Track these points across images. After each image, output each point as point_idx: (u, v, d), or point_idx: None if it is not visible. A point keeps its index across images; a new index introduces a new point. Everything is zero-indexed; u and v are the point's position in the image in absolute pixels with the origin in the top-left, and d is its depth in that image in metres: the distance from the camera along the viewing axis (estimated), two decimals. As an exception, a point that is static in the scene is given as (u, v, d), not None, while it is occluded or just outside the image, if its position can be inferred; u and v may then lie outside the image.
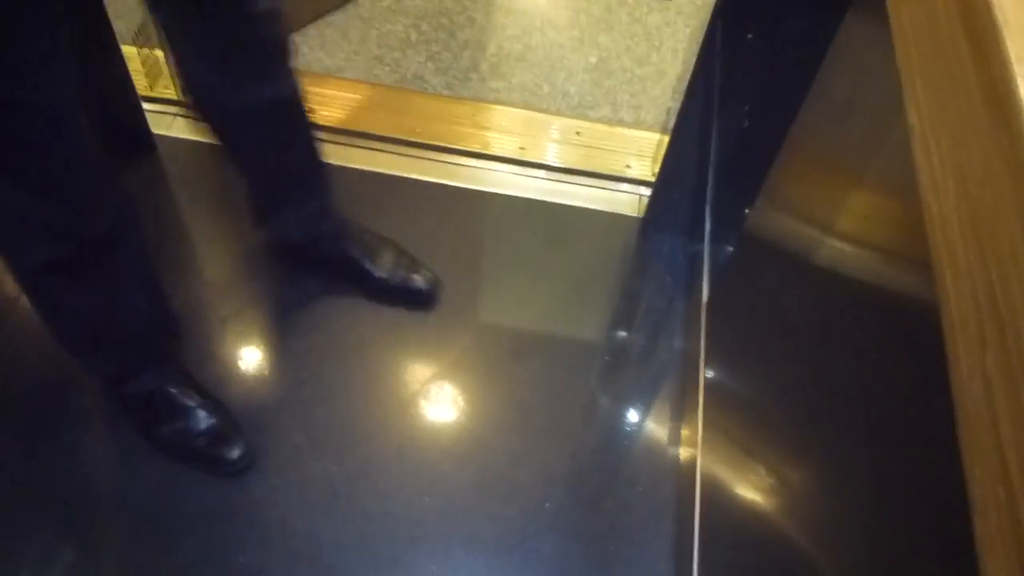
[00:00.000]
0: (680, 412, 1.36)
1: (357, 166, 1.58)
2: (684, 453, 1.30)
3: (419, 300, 1.40)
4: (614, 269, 1.53)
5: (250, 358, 1.34)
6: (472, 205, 1.56)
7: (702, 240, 1.41)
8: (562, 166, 1.63)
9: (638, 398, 1.38)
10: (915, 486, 0.57)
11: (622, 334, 1.45)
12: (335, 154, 1.56)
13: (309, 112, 1.19)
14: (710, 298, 1.34)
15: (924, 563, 0.53)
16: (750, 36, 1.37)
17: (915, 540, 0.56)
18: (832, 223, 0.90)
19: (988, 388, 0.38)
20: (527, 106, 1.73)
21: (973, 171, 0.43)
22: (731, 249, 1.35)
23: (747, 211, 1.25)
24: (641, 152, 1.67)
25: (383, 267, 1.38)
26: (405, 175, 1.58)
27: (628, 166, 1.64)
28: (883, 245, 0.74)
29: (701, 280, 1.38)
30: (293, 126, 1.19)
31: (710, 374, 1.23)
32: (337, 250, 1.37)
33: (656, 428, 1.35)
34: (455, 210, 1.55)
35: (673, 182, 1.49)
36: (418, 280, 1.39)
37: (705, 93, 1.42)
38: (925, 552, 0.53)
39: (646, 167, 1.63)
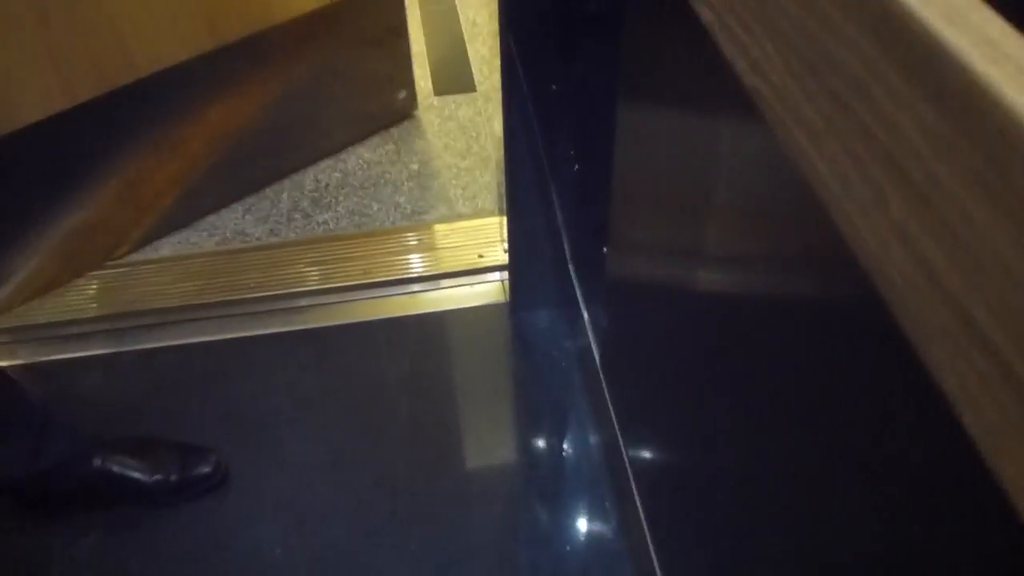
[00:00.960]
0: (621, 505, 1.22)
1: (184, 341, 1.43)
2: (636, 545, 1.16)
3: (212, 483, 1.23)
4: (495, 361, 1.41)
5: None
6: (320, 344, 1.43)
7: (575, 299, 1.32)
8: (413, 275, 1.53)
9: (572, 511, 1.24)
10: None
11: (530, 438, 1.32)
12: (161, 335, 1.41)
13: None
14: (603, 358, 1.24)
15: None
16: (553, 87, 1.34)
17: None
18: (690, 228, 0.83)
19: (906, 241, 0.28)
20: (361, 230, 1.64)
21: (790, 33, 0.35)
22: (606, 298, 1.26)
23: (606, 251, 1.17)
24: (489, 239, 1.59)
25: (155, 468, 1.20)
26: (244, 335, 1.44)
27: (480, 256, 1.56)
28: (752, 231, 0.65)
29: (588, 342, 1.28)
30: None
31: (632, 452, 1.12)
32: (91, 474, 1.16)
33: (602, 532, 1.21)
34: (300, 355, 1.41)
35: (527, 254, 1.41)
36: (202, 465, 1.22)
37: (530, 157, 1.36)
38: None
39: (498, 251, 1.55)
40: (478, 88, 1.97)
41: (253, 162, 1.67)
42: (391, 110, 1.84)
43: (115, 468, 1.17)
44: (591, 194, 1.21)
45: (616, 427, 1.17)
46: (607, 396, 1.22)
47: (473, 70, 2.02)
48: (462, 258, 1.56)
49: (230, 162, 1.62)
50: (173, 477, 1.19)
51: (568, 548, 1.18)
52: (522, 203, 1.38)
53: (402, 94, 1.83)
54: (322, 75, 1.65)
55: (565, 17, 1.29)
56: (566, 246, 1.33)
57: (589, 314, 1.28)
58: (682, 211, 0.81)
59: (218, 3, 1.40)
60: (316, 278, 1.53)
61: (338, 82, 1.70)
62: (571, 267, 1.33)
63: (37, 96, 1.26)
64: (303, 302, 1.50)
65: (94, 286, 1.52)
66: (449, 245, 1.58)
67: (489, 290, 1.51)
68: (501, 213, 1.56)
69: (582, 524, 1.22)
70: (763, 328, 0.62)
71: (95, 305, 1.49)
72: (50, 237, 1.45)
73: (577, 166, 1.22)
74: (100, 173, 1.45)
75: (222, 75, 1.50)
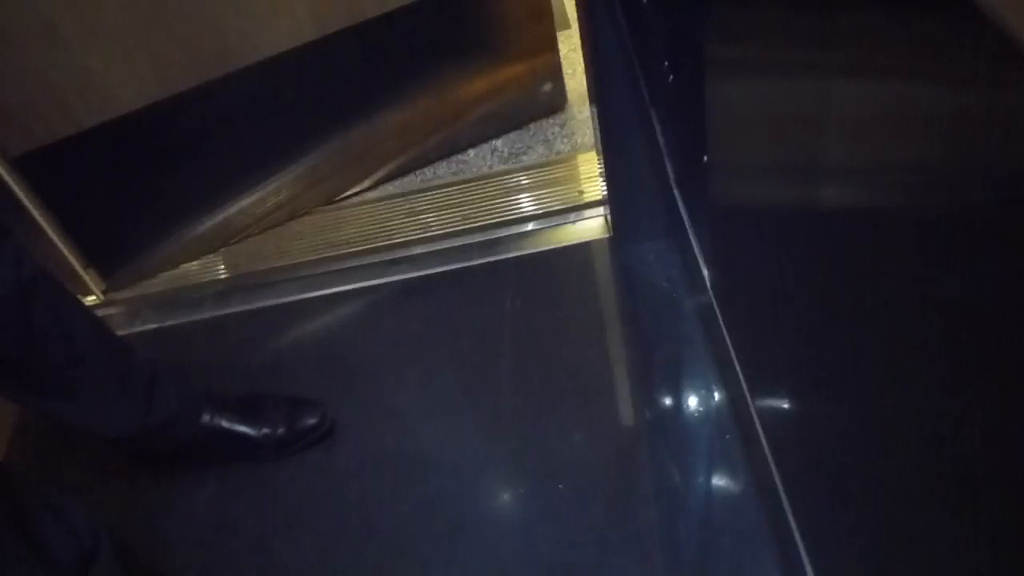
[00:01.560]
0: (747, 451, 1.13)
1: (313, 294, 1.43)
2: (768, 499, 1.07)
3: (318, 435, 1.21)
4: (601, 298, 1.34)
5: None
6: (423, 293, 1.39)
7: (683, 226, 1.22)
8: (512, 218, 1.47)
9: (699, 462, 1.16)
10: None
11: (642, 379, 1.24)
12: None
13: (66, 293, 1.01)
14: (716, 287, 1.14)
15: None
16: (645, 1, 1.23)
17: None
18: (804, 135, 0.72)
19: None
20: (458, 177, 1.59)
21: None
22: (715, 221, 1.16)
23: (711, 169, 1.07)
24: (590, 174, 1.51)
25: (262, 422, 1.19)
26: (347, 287, 1.43)
27: (580, 191, 1.48)
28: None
29: (699, 270, 1.19)
30: (48, 316, 0.97)
31: (756, 394, 1.02)
32: (201, 430, 1.17)
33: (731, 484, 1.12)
34: (404, 304, 1.38)
35: (628, 184, 1.32)
36: (308, 417, 1.20)
37: (622, 76, 1.27)
38: None
39: (599, 186, 1.47)
40: (572, 25, 1.88)
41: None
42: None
43: (224, 423, 1.17)
44: (692, 111, 1.11)
45: (736, 363, 1.07)
46: (723, 328, 1.12)
47: (567, 6, 1.92)
48: (563, 196, 1.48)
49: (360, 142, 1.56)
50: (280, 430, 1.19)
51: (692, 494, 1.10)
52: (617, 128, 1.29)
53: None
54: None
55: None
56: (669, 169, 1.23)
57: (698, 241, 1.19)
58: (793, 118, 0.71)
59: None
60: (415, 228, 1.49)
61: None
62: (676, 192, 1.23)
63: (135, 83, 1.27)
64: (403, 252, 1.47)
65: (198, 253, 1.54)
66: (548, 184, 1.51)
67: (592, 226, 1.43)
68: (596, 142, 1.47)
69: (706, 470, 1.14)
70: (896, 245, 0.52)
71: (199, 268, 1.51)
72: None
73: (672, 77, 1.12)
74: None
75: (327, 64, 1.40)
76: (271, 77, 1.36)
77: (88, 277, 1.44)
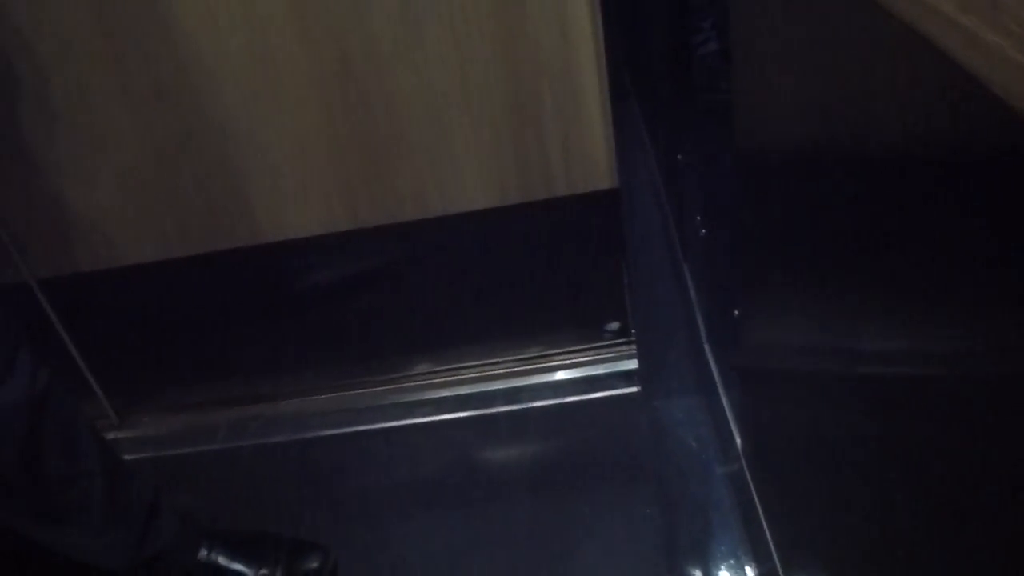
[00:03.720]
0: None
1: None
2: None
3: None
4: (626, 455, 1.28)
5: None
6: (439, 436, 1.35)
7: (713, 384, 1.18)
8: (540, 367, 1.44)
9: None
10: None
11: (665, 546, 1.17)
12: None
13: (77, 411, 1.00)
14: (745, 450, 1.09)
15: None
16: (679, 157, 1.25)
17: None
18: (841, 297, 0.70)
19: None
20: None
21: None
22: (746, 380, 1.12)
23: (742, 325, 1.05)
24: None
25: (261, 561, 1.13)
26: (360, 428, 1.39)
27: (609, 341, 1.45)
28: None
29: (731, 434, 1.14)
30: (54, 429, 0.95)
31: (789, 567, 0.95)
32: (197, 566, 1.11)
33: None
34: (418, 447, 1.33)
35: (659, 338, 1.29)
36: (309, 560, 1.14)
37: (657, 230, 1.27)
38: None
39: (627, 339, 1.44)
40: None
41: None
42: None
43: (221, 560, 1.11)
44: (724, 266, 1.10)
45: (768, 536, 1.00)
46: (755, 497, 1.06)
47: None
48: (592, 347, 1.46)
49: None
50: (279, 572, 1.12)
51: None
52: (649, 281, 1.28)
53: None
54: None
55: (685, 97, 1.22)
56: (700, 325, 1.21)
57: (728, 400, 1.14)
58: (826, 276, 0.69)
59: (361, 185, 1.23)
60: (439, 370, 1.46)
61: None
62: (707, 348, 1.20)
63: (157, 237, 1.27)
64: (425, 395, 1.44)
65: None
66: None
67: (620, 379, 1.40)
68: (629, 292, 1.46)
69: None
70: (939, 411, 0.48)
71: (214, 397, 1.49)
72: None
73: (704, 232, 1.12)
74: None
75: (357, 255, 1.36)
76: (305, 256, 1.33)
77: (106, 400, 1.43)
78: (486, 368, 1.44)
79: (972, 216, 0.39)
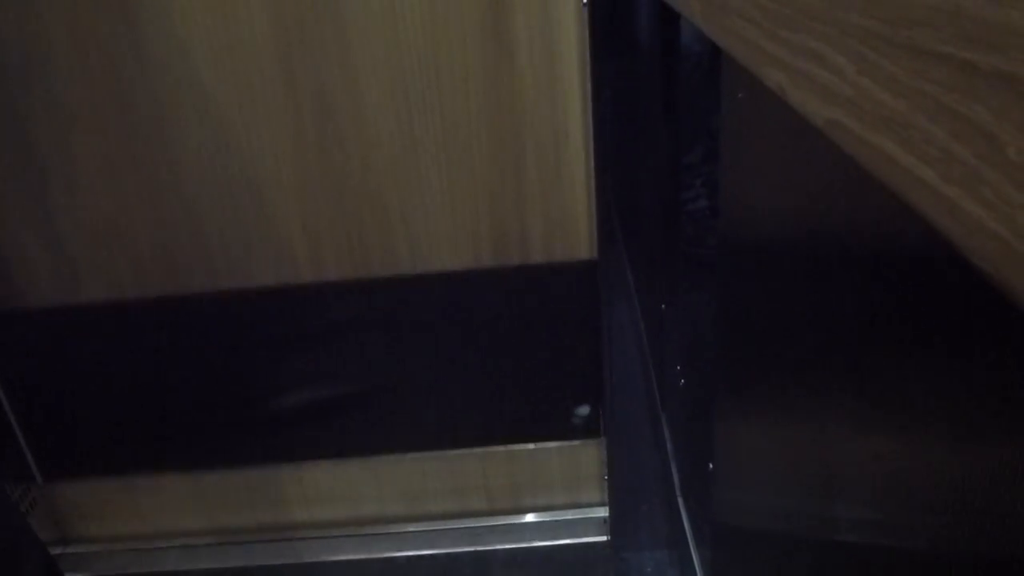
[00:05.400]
0: None
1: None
2: None
3: None
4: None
5: None
6: (409, 573, 1.29)
7: (685, 540, 1.15)
8: (503, 508, 1.40)
9: None
10: None
11: None
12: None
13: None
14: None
15: None
16: (663, 306, 1.27)
17: None
18: (823, 460, 0.70)
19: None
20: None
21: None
22: (719, 539, 1.09)
23: (717, 481, 1.03)
24: (591, 472, 1.46)
25: None
26: (331, 559, 1.33)
27: (580, 488, 1.42)
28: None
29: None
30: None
31: None
32: None
33: None
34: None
35: (631, 487, 1.27)
36: None
37: (635, 376, 1.27)
38: None
39: (598, 485, 1.41)
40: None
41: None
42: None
43: None
44: (701, 419, 1.09)
45: None
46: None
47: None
48: (562, 490, 1.42)
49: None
50: None
51: None
52: (625, 428, 1.27)
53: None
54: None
55: (672, 249, 1.25)
56: (675, 477, 1.19)
57: (699, 556, 1.11)
58: (807, 440, 0.69)
59: (327, 234, 1.19)
60: (400, 507, 1.42)
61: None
62: (680, 501, 1.18)
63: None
64: (389, 528, 1.39)
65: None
66: (547, 476, 1.46)
67: (589, 527, 1.36)
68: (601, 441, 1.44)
69: None
70: None
71: (185, 517, 1.42)
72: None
73: (683, 381, 1.12)
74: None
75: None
76: (263, 308, 1.25)
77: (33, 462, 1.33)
78: (454, 506, 1.40)
79: (955, 379, 0.39)
